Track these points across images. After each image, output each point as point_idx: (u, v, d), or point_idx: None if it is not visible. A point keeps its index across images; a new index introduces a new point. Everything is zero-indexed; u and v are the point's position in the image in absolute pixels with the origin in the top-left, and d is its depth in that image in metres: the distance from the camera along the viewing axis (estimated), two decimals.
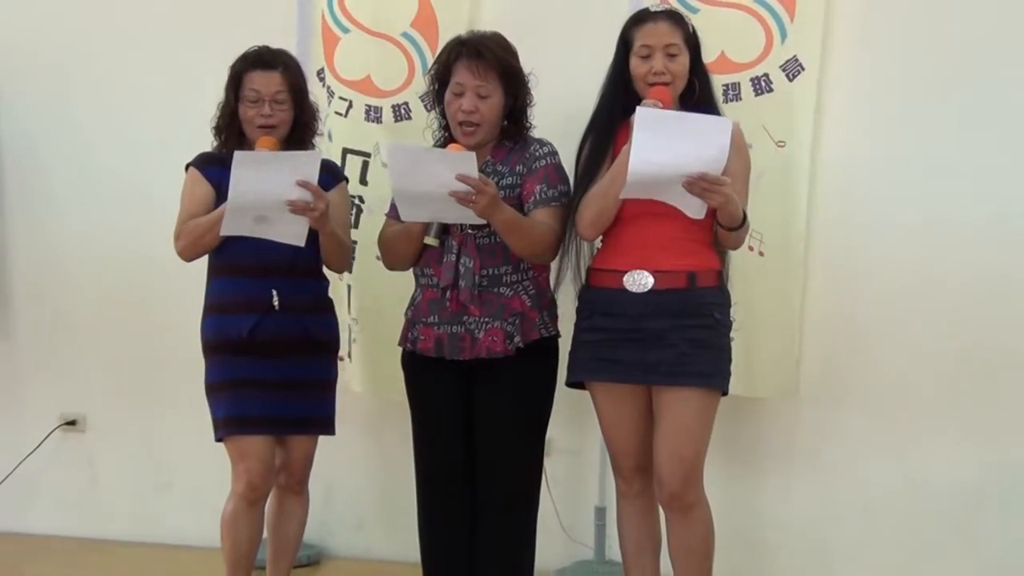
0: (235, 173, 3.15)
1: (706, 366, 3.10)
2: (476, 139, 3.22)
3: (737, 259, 3.62)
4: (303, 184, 3.18)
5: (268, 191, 3.17)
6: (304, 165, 3.22)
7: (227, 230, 3.24)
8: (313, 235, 3.31)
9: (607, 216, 3.12)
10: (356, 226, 4.14)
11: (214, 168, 3.41)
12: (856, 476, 4.03)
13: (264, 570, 3.58)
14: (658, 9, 3.26)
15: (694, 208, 3.01)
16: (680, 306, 3.08)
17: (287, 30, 4.25)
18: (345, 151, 4.24)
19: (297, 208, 3.20)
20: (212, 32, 4.40)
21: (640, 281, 3.09)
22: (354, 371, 4.23)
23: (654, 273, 3.08)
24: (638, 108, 2.95)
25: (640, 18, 3.19)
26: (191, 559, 4.42)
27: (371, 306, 4.16)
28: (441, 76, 3.29)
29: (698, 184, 2.91)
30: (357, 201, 4.19)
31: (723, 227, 3.09)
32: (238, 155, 3.18)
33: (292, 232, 3.25)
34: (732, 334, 3.30)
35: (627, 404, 3.16)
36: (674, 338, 3.06)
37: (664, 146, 2.90)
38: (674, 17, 3.20)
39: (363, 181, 4.22)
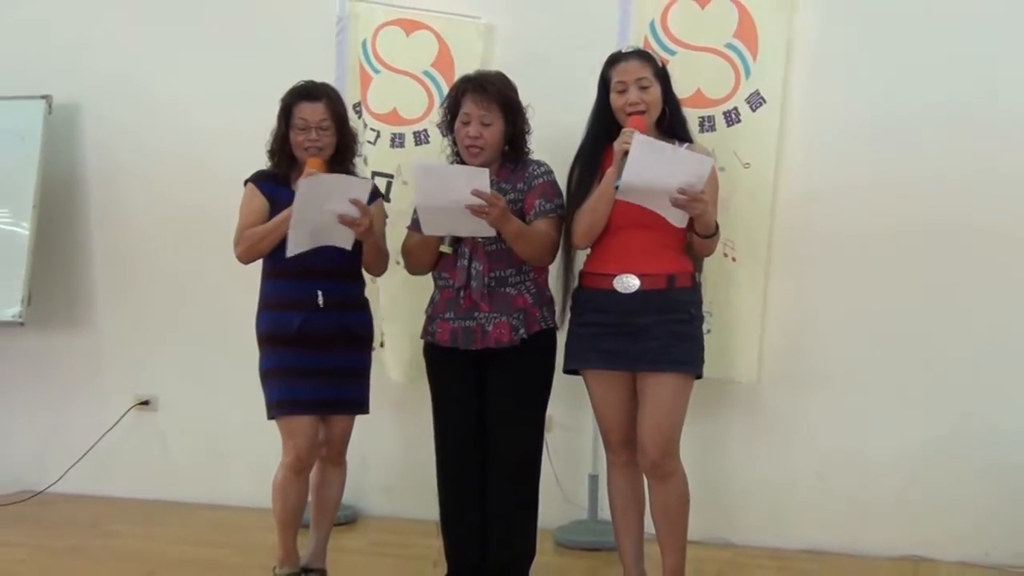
0: (300, 197, 3.19)
1: (684, 355, 3.13)
2: (480, 160, 3.25)
3: (713, 264, 3.66)
4: (355, 203, 3.21)
5: (327, 209, 3.20)
6: (357, 189, 3.26)
7: (292, 250, 3.25)
8: (354, 243, 3.34)
9: (597, 227, 3.14)
10: None
11: (268, 184, 3.43)
12: (810, 448, 4.05)
13: (308, 528, 3.58)
14: (629, 50, 3.27)
15: (675, 217, 3.05)
16: (661, 304, 3.10)
17: (327, 69, 4.26)
18: (374, 173, 4.29)
19: (345, 220, 3.23)
20: (264, 69, 4.41)
21: (628, 283, 3.10)
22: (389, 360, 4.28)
23: (639, 276, 3.10)
24: (635, 135, 2.96)
25: (614, 59, 3.22)
26: (246, 519, 4.44)
27: (395, 304, 4.21)
28: (452, 108, 3.33)
29: (682, 198, 2.96)
30: None
31: (699, 235, 3.12)
32: (303, 183, 3.22)
33: (342, 237, 3.29)
34: (707, 327, 3.33)
35: (615, 387, 3.18)
36: (657, 331, 3.09)
37: (655, 165, 2.94)
38: (643, 55, 3.24)
39: (387, 198, 4.27)
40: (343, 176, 3.35)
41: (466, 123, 3.27)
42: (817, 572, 3.85)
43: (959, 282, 3.90)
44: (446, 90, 4.11)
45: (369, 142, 4.31)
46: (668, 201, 2.99)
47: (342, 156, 3.48)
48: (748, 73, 3.90)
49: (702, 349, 3.21)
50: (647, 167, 2.94)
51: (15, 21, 5.17)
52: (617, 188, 2.98)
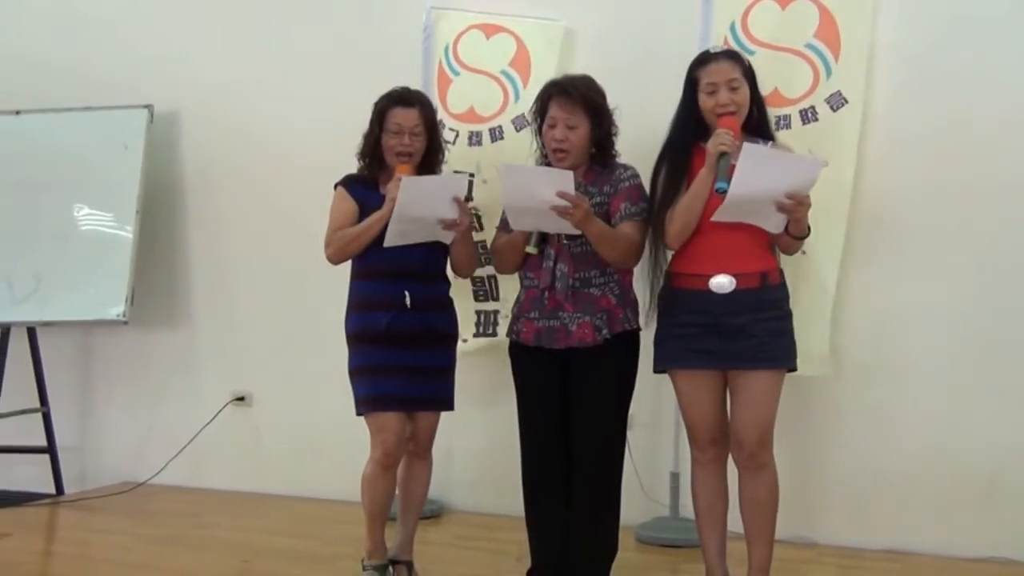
0: (401, 195, 3.17)
1: (781, 351, 3.06)
2: (567, 163, 3.20)
3: (785, 259, 3.57)
4: (456, 201, 3.16)
5: (427, 210, 3.16)
6: (454, 187, 3.23)
7: (390, 242, 3.24)
8: (440, 246, 3.34)
9: (690, 228, 3.05)
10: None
11: (358, 187, 3.41)
12: (894, 445, 3.93)
13: (396, 521, 3.57)
14: (718, 50, 3.18)
15: (774, 224, 2.98)
16: (757, 302, 3.02)
17: (415, 75, 4.28)
18: (454, 172, 4.27)
19: (447, 224, 3.20)
20: (355, 78, 4.42)
21: (725, 284, 3.01)
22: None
23: (736, 275, 3.01)
24: (745, 143, 2.89)
25: (703, 59, 3.12)
26: (336, 511, 4.46)
27: None
28: (540, 112, 3.28)
29: (789, 202, 2.89)
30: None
31: (793, 236, 3.03)
32: (405, 180, 3.19)
33: (442, 234, 3.29)
34: None
35: (706, 386, 3.09)
36: (754, 329, 3.00)
37: (763, 173, 2.86)
38: (733, 56, 3.14)
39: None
40: (439, 176, 3.31)
41: (552, 126, 3.22)
42: (900, 572, 3.73)
43: None
44: (522, 88, 4.21)
45: (448, 142, 4.30)
46: (767, 209, 2.91)
47: (431, 161, 3.47)
48: (829, 73, 3.81)
49: (794, 343, 3.12)
50: (756, 176, 2.85)
51: (119, 35, 5.27)
52: (723, 192, 2.89)
